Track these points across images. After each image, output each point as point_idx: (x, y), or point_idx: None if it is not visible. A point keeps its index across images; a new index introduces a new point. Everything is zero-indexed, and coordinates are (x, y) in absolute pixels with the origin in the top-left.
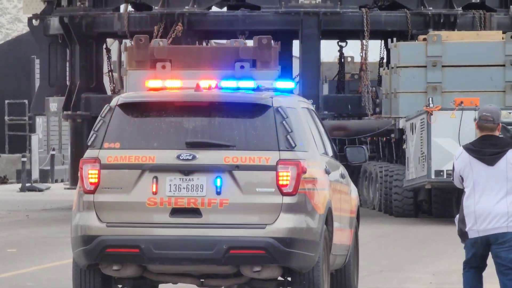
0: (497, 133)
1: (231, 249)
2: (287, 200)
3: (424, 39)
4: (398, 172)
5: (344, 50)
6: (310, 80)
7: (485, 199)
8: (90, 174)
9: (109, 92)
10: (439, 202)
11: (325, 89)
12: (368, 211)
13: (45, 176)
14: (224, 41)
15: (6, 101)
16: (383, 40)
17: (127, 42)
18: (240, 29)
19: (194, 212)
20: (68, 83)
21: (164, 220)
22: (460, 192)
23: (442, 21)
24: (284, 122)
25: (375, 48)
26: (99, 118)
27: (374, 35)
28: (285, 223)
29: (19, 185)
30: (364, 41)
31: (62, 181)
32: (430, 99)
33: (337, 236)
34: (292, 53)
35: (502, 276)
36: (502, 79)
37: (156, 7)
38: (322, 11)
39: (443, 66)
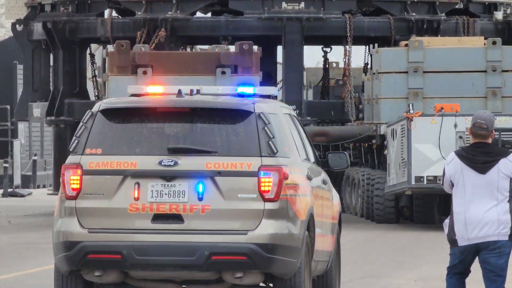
0: (490, 140)
1: (213, 255)
2: (269, 206)
3: (406, 45)
4: (379, 178)
5: (328, 56)
6: (293, 86)
7: (475, 206)
8: (72, 180)
9: (93, 98)
10: (420, 208)
11: (310, 95)
12: (351, 217)
13: (27, 181)
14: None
15: None
16: (367, 46)
17: (111, 47)
18: (223, 35)
19: (176, 218)
20: (51, 88)
21: (146, 226)
22: (442, 198)
23: (425, 26)
24: (266, 128)
25: (360, 54)
26: (81, 123)
27: (357, 41)
28: (267, 229)
29: (1, 191)
30: (347, 46)
31: (44, 186)
32: (411, 105)
33: (319, 242)
34: (276, 59)
35: (490, 283)
36: (483, 85)
37: (139, 13)
38: (305, 17)
39: (424, 72)
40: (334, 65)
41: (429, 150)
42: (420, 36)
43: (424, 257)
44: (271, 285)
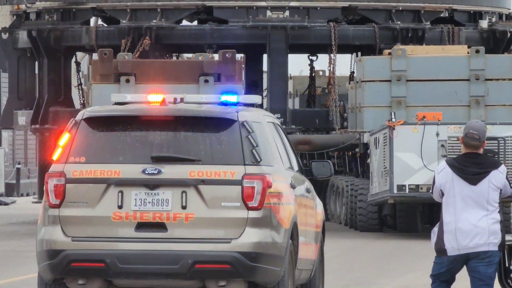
0: (481, 150)
1: (197, 264)
2: (253, 214)
3: (389, 53)
4: (363, 186)
5: (315, 64)
6: (278, 94)
7: (466, 216)
8: (55, 188)
9: (78, 106)
10: (403, 216)
11: (297, 103)
12: (335, 225)
13: (11, 190)
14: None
15: None
16: (353, 54)
17: (95, 55)
18: (208, 43)
19: (160, 226)
20: (37, 96)
21: (130, 234)
22: (425, 207)
23: (410, 35)
24: (249, 136)
25: (346, 62)
26: (64, 132)
27: (342, 49)
28: (250, 237)
29: None
30: (332, 55)
31: (27, 194)
32: (393, 113)
33: (302, 251)
34: (262, 67)
35: None
36: (466, 94)
37: (124, 21)
38: (290, 25)
39: (407, 81)
40: (321, 73)
41: (411, 158)
42: (405, 45)
43: (408, 265)
44: None
